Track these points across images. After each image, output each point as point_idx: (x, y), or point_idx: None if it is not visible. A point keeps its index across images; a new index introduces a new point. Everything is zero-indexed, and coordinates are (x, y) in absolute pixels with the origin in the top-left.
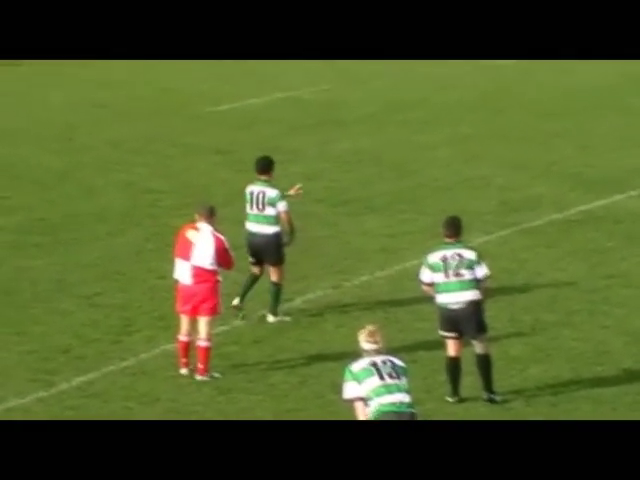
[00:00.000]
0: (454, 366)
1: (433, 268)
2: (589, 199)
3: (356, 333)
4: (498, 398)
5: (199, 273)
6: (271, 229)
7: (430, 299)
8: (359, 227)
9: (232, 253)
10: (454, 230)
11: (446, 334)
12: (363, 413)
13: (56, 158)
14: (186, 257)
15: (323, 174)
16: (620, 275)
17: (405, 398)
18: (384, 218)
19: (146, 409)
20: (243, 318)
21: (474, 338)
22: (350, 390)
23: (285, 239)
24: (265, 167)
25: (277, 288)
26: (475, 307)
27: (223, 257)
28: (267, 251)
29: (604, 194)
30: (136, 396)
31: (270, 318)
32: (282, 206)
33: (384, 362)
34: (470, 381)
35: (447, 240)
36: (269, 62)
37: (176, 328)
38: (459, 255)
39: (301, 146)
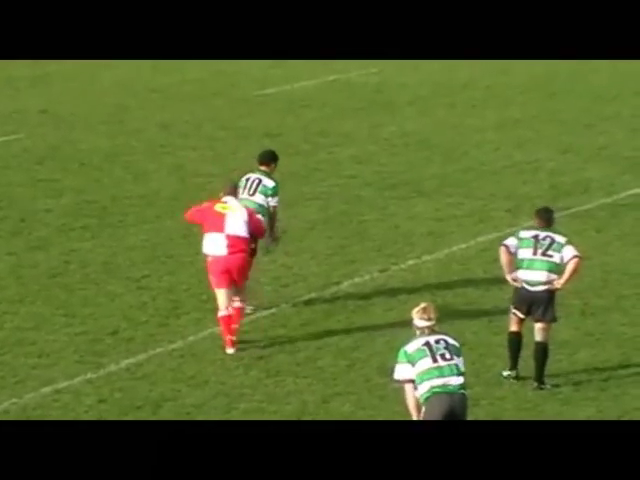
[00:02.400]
0: (516, 341)
1: (523, 243)
2: (639, 183)
3: (404, 317)
4: (547, 387)
5: (234, 242)
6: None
7: (479, 282)
8: (407, 211)
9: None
10: (549, 218)
11: (515, 311)
12: (412, 396)
13: (105, 141)
14: (220, 229)
15: (372, 158)
16: None
17: (457, 380)
18: (432, 202)
19: (194, 391)
20: (251, 313)
21: (539, 322)
22: (402, 371)
23: (270, 243)
24: (266, 158)
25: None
26: (552, 292)
27: (256, 224)
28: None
29: None
30: (184, 378)
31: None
32: (274, 201)
33: (437, 341)
34: (524, 362)
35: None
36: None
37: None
38: (551, 237)
39: (350, 130)
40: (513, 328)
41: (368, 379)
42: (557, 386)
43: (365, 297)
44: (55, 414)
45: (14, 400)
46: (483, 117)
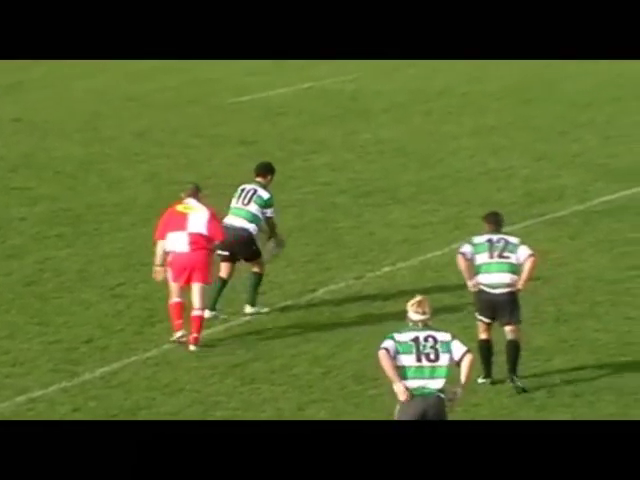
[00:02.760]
0: (486, 348)
1: (477, 248)
2: (613, 190)
3: (379, 324)
4: (519, 383)
5: (196, 240)
6: (249, 225)
7: (453, 289)
8: (383, 218)
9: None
10: (498, 221)
11: (481, 318)
12: (388, 364)
13: (80, 149)
14: (182, 228)
15: (347, 165)
16: None
17: (435, 384)
18: (407, 209)
19: (169, 399)
20: (226, 321)
21: (507, 325)
22: (385, 343)
23: (275, 248)
24: (263, 170)
25: (257, 278)
26: (514, 294)
27: (215, 226)
28: (241, 246)
29: (628, 185)
30: (159, 387)
31: (248, 309)
32: (270, 212)
33: (426, 339)
34: (498, 368)
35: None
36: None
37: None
38: (504, 239)
39: (325, 137)
40: (482, 336)
41: (343, 386)
42: (531, 392)
43: (341, 304)
44: (26, 424)
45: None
46: (458, 124)
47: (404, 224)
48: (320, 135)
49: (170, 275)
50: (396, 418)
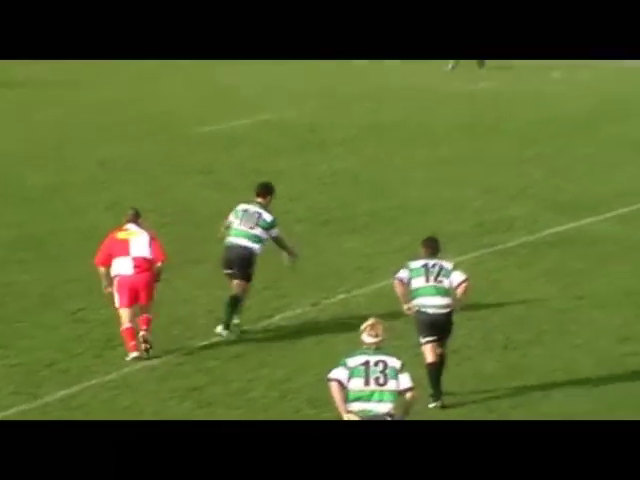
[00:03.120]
0: (436, 370)
1: (413, 273)
2: (561, 222)
3: (334, 349)
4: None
5: (139, 263)
6: (253, 245)
7: (406, 317)
8: (338, 246)
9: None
10: (435, 247)
11: (427, 339)
12: (339, 395)
13: (44, 176)
14: (125, 253)
15: (304, 195)
16: (590, 296)
17: (382, 408)
18: (362, 238)
19: None
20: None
21: (438, 341)
22: (337, 373)
23: (289, 259)
24: (263, 190)
25: (237, 301)
26: (449, 315)
27: (156, 248)
28: (240, 264)
29: (575, 217)
30: (119, 409)
31: (219, 329)
32: (275, 232)
33: (376, 363)
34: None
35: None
36: (253, 85)
37: (160, 341)
38: (439, 265)
39: (283, 167)
40: (430, 360)
41: (298, 410)
42: (482, 416)
43: (297, 330)
44: None
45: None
46: (412, 156)
47: (359, 253)
48: (278, 165)
49: (118, 300)
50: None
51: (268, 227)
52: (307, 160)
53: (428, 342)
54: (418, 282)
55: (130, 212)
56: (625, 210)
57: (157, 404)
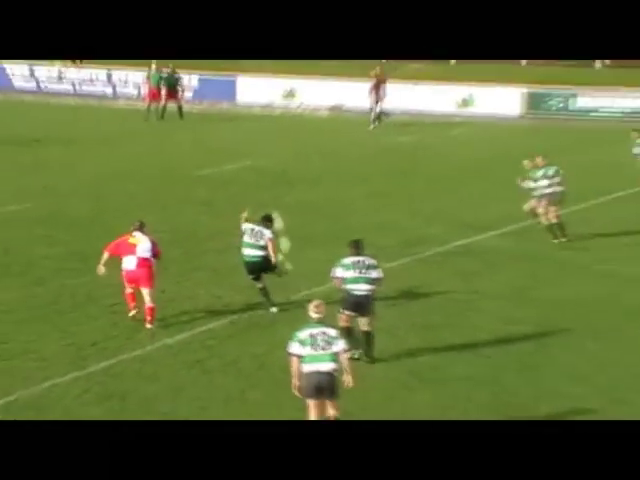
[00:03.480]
0: (349, 330)
1: (346, 267)
2: (463, 237)
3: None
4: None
5: (141, 262)
6: (262, 252)
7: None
8: (303, 257)
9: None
10: (359, 247)
11: (348, 312)
12: (296, 366)
13: (87, 206)
14: (132, 252)
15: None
16: (484, 291)
17: (326, 366)
18: (320, 250)
19: (150, 386)
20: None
21: (365, 317)
22: (293, 348)
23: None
24: (266, 218)
25: (266, 291)
26: (371, 297)
27: (154, 248)
28: (260, 267)
29: (474, 234)
30: (144, 376)
31: (273, 309)
32: (269, 236)
33: (319, 334)
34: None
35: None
36: (238, 140)
37: (173, 327)
38: (366, 261)
39: (261, 199)
40: (343, 324)
41: (274, 376)
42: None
43: (273, 318)
44: (50, 402)
45: (21, 392)
46: (355, 191)
47: (318, 260)
48: (258, 198)
49: (125, 283)
50: (303, 389)
51: (267, 237)
52: (279, 194)
53: (345, 313)
54: (351, 274)
55: (137, 223)
56: (509, 229)
57: (172, 373)
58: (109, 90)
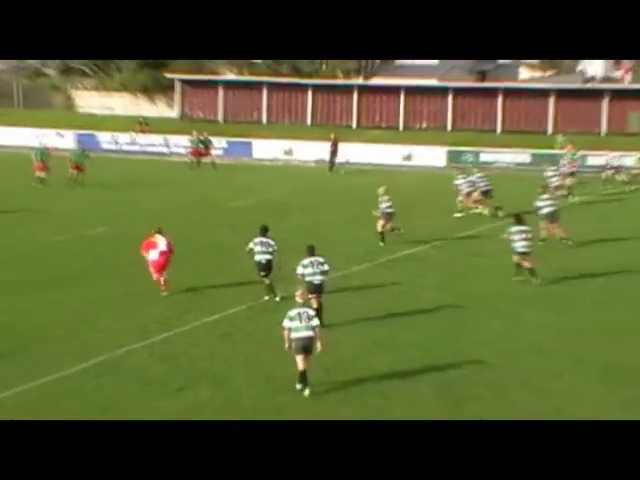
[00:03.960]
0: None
1: (306, 266)
2: (407, 249)
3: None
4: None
5: (161, 254)
6: (270, 257)
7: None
8: (297, 261)
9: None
10: (313, 251)
11: (310, 295)
12: (287, 337)
13: (150, 229)
14: (155, 248)
15: (279, 236)
16: (423, 285)
17: (308, 333)
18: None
19: (194, 350)
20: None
21: (319, 297)
22: (285, 323)
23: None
24: (266, 229)
25: (272, 287)
26: (324, 283)
27: (169, 245)
28: (269, 266)
29: (413, 247)
30: (190, 344)
31: (277, 298)
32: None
33: (304, 312)
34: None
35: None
36: (256, 182)
37: (208, 310)
38: (319, 260)
39: (269, 223)
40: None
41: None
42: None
43: (256, 312)
44: (126, 362)
45: (107, 355)
46: (334, 216)
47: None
48: (266, 222)
49: (153, 270)
50: (293, 349)
51: (274, 246)
52: (282, 219)
53: (304, 295)
54: (308, 270)
55: (157, 228)
56: (438, 243)
57: (209, 342)
58: (166, 150)
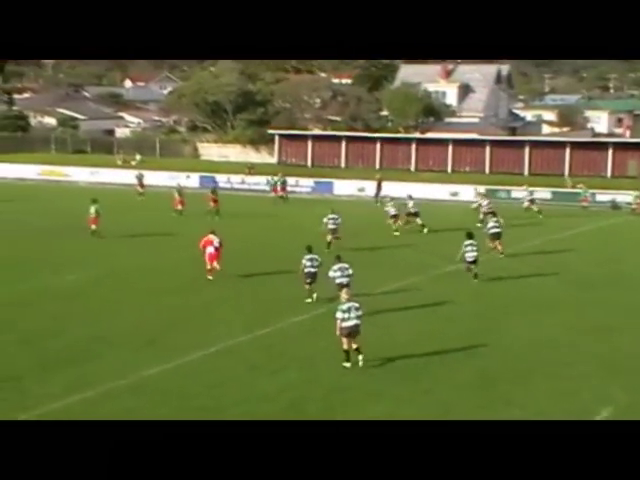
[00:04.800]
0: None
1: (334, 270)
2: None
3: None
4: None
5: (216, 249)
6: (315, 270)
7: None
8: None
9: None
10: (340, 259)
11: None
12: (339, 324)
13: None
14: (211, 244)
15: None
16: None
17: (357, 321)
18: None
19: (294, 329)
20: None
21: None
22: (338, 314)
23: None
24: (309, 248)
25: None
26: (350, 282)
27: (221, 244)
28: (315, 275)
29: (449, 264)
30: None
31: (309, 300)
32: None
33: (353, 306)
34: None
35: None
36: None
37: (300, 308)
38: (344, 265)
39: (345, 242)
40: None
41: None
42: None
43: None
44: (238, 351)
45: (226, 342)
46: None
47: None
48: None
49: (207, 259)
50: (343, 333)
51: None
52: (349, 239)
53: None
54: (337, 274)
55: (210, 230)
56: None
57: (296, 335)
58: (267, 187)
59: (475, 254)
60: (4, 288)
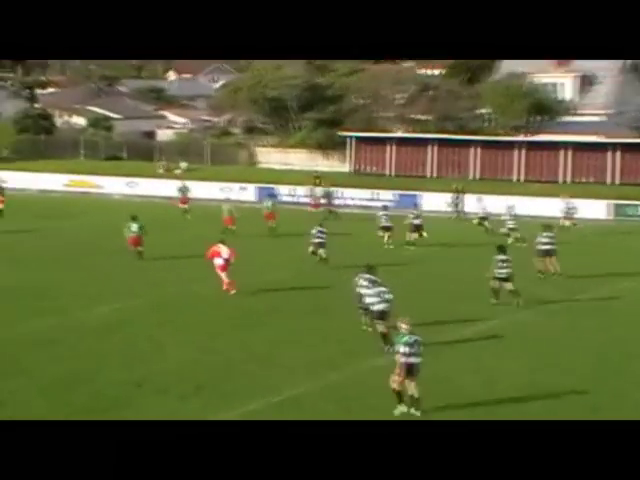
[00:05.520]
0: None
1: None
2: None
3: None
4: None
5: (225, 260)
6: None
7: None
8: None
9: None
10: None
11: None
12: (401, 363)
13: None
14: (220, 255)
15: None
16: None
17: (418, 359)
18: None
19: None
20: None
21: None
22: (398, 347)
23: None
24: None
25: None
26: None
27: (231, 253)
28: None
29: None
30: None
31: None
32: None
33: (417, 340)
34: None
35: None
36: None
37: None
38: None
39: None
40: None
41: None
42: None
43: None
44: (307, 402)
45: (287, 394)
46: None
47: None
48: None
49: (218, 270)
50: (403, 371)
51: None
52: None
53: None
54: (375, 299)
55: (220, 239)
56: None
57: (371, 380)
58: (338, 201)
59: (507, 270)
60: (27, 322)
